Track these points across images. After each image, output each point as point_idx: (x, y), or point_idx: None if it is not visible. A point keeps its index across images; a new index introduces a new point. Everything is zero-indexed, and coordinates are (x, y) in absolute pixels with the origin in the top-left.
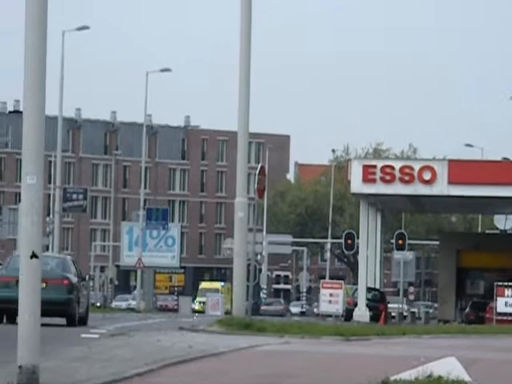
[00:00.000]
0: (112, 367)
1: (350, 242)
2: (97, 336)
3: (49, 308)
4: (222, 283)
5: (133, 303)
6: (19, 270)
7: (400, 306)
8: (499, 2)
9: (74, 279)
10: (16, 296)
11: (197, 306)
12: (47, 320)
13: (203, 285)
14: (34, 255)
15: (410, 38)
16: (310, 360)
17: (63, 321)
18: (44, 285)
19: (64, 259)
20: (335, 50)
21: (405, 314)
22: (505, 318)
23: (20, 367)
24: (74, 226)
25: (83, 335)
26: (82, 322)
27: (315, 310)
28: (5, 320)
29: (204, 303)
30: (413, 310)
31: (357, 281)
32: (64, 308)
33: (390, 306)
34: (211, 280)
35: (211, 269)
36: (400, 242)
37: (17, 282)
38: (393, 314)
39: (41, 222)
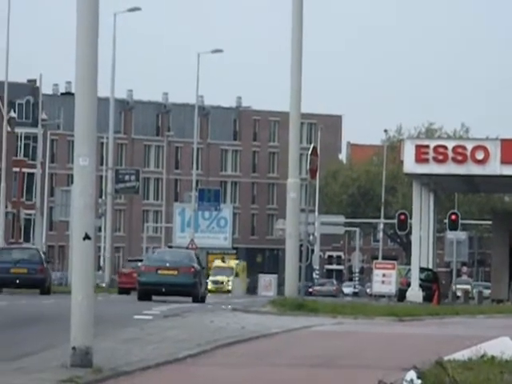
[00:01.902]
0: (165, 348)
1: (402, 222)
2: (150, 317)
3: (180, 289)
4: (237, 261)
5: None
6: (158, 261)
7: (470, 286)
8: None
9: (198, 267)
10: (155, 280)
11: (209, 286)
12: (179, 299)
13: (216, 263)
14: (86, 237)
15: (471, 14)
16: (363, 340)
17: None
18: (176, 272)
19: (189, 252)
20: (388, 28)
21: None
22: None
23: (73, 348)
24: (126, 207)
25: (136, 317)
26: (202, 300)
27: (368, 290)
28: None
29: (217, 282)
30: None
31: (409, 261)
32: (191, 289)
33: (459, 286)
34: (262, 261)
35: (263, 250)
36: (453, 221)
37: (156, 270)
38: (458, 294)
39: (94, 204)
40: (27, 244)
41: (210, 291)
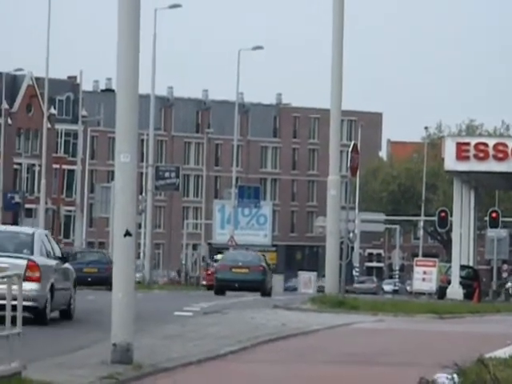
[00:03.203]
0: (206, 345)
1: (443, 219)
2: (190, 314)
3: (251, 285)
4: None
5: None
6: (232, 260)
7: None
8: None
9: (265, 266)
10: (229, 277)
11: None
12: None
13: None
14: (127, 233)
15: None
16: (403, 338)
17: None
18: (247, 270)
19: (257, 254)
20: (427, 27)
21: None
22: None
23: (114, 345)
24: (166, 204)
25: (177, 313)
26: (269, 294)
27: (408, 287)
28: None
29: None
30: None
31: (450, 258)
32: (260, 285)
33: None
34: (302, 258)
35: (303, 247)
36: (494, 219)
37: (230, 268)
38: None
39: (135, 201)
40: (66, 240)
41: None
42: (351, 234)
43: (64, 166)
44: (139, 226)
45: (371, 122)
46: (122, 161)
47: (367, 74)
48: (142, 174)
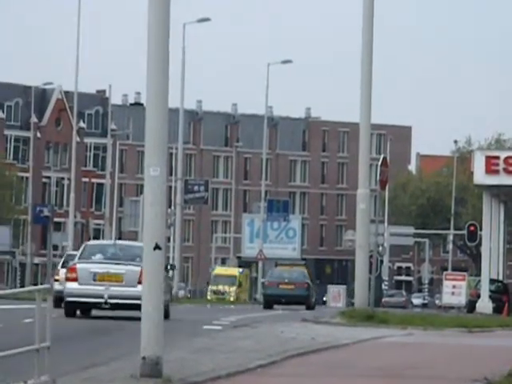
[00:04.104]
0: (235, 359)
1: (472, 233)
2: (219, 327)
3: (297, 300)
4: (241, 269)
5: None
6: (279, 277)
7: None
8: None
9: (310, 283)
10: (277, 293)
11: (209, 296)
12: (294, 307)
13: (217, 270)
14: (157, 247)
15: None
16: (433, 352)
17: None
18: (293, 286)
19: (303, 270)
20: (457, 40)
21: None
22: None
23: (143, 358)
24: (195, 217)
25: (206, 327)
26: (313, 308)
27: (437, 301)
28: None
29: (218, 292)
30: None
31: (479, 272)
32: (305, 300)
33: None
34: (331, 272)
35: (332, 260)
36: None
37: (277, 284)
38: None
39: (164, 214)
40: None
41: (209, 301)
42: (380, 248)
43: (93, 180)
44: (168, 240)
45: (401, 135)
46: (151, 174)
47: (397, 88)
48: (170, 187)
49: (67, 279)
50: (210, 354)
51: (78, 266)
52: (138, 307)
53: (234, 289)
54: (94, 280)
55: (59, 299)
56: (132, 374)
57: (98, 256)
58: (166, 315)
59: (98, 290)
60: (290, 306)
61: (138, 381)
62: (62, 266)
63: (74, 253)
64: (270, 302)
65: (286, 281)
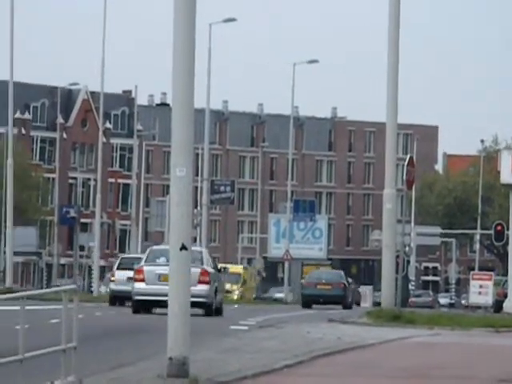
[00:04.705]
0: (261, 359)
1: (499, 232)
2: (246, 328)
3: (334, 300)
4: (245, 266)
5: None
6: (317, 278)
7: None
8: None
9: (346, 283)
10: (315, 293)
11: None
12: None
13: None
14: (183, 247)
15: None
16: (460, 352)
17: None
18: (330, 287)
19: (339, 272)
20: (483, 41)
21: None
22: None
23: (170, 359)
24: (221, 218)
25: (232, 327)
26: (350, 307)
27: (463, 301)
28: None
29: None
30: None
31: (506, 272)
32: (342, 300)
33: None
34: (357, 272)
35: (358, 261)
36: None
37: (315, 285)
38: None
39: (190, 214)
40: (122, 254)
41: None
42: (407, 248)
43: (119, 180)
44: (194, 240)
45: (427, 135)
46: (177, 175)
47: (423, 87)
48: (197, 188)
49: (135, 280)
50: (236, 354)
51: (145, 268)
52: (198, 305)
53: (237, 287)
54: (159, 280)
55: (115, 298)
56: (159, 374)
57: (162, 259)
58: (220, 312)
59: (162, 289)
60: (327, 306)
61: (165, 381)
62: (118, 268)
63: (128, 256)
64: (308, 302)
65: (324, 281)
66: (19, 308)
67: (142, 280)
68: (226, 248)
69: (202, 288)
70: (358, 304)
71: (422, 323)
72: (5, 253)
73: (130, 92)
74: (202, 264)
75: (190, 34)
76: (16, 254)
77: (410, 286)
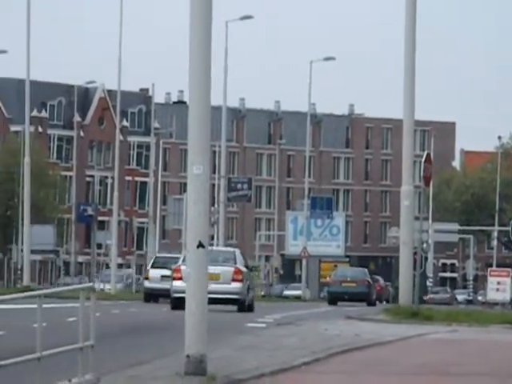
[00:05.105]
0: (279, 356)
1: None
2: (264, 325)
3: (358, 297)
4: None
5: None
6: (342, 276)
7: None
8: None
9: (370, 281)
10: (340, 290)
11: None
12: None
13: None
14: (200, 245)
15: None
16: (478, 348)
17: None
18: (355, 284)
19: (364, 270)
20: (499, 34)
21: None
22: None
23: (188, 356)
24: (238, 215)
25: (250, 324)
26: (374, 304)
27: (479, 297)
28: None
29: None
30: None
31: None
32: (366, 297)
33: None
34: (375, 269)
35: (376, 257)
36: None
37: (340, 282)
38: None
39: (208, 212)
40: (139, 252)
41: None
42: (425, 245)
43: (136, 178)
44: (212, 238)
45: (444, 131)
46: (194, 172)
47: (440, 84)
48: (214, 185)
49: (174, 278)
50: (254, 352)
51: (183, 267)
52: (232, 301)
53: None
54: None
55: (149, 295)
56: (176, 371)
57: None
58: (251, 309)
59: None
60: (351, 303)
61: (183, 379)
62: (152, 267)
63: (162, 255)
64: (334, 299)
65: (349, 279)
66: (37, 306)
67: (180, 278)
68: (244, 246)
69: (236, 286)
70: (388, 301)
71: (440, 320)
72: (22, 251)
73: (146, 90)
74: (235, 263)
75: (207, 32)
76: (33, 252)
77: (428, 283)
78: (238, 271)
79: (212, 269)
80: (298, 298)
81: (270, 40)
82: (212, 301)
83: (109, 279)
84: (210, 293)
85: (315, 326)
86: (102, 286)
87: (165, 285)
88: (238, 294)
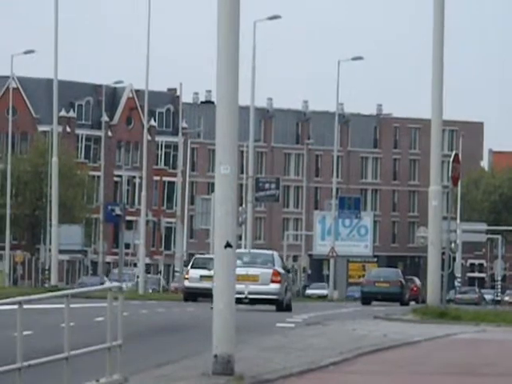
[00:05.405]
0: (307, 356)
1: None
2: (292, 325)
3: (391, 297)
4: None
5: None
6: (375, 276)
7: None
8: None
9: (403, 281)
10: (373, 290)
11: None
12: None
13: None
14: (228, 245)
15: None
16: (507, 348)
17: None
18: (388, 284)
19: (397, 270)
20: None
21: None
22: None
23: (215, 356)
24: (266, 215)
25: (278, 324)
26: (407, 304)
27: (506, 298)
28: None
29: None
30: None
31: None
32: (399, 297)
33: None
34: (403, 269)
35: (404, 257)
36: None
37: (374, 283)
38: None
39: (235, 212)
40: (167, 252)
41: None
42: (453, 245)
43: (164, 178)
44: (239, 238)
45: (473, 131)
46: (222, 172)
47: (469, 84)
48: (241, 185)
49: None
50: (282, 352)
51: None
52: (271, 301)
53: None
54: (236, 280)
55: (188, 294)
56: (204, 371)
57: (238, 262)
58: (289, 308)
59: (239, 288)
60: (384, 303)
61: (210, 378)
62: (191, 267)
63: (201, 256)
64: (367, 299)
65: (382, 279)
66: (64, 306)
67: None
68: (271, 245)
69: (275, 287)
70: (424, 301)
71: (468, 320)
72: (50, 251)
73: (174, 90)
74: (274, 265)
75: (234, 32)
76: (61, 252)
77: (456, 283)
78: (276, 273)
79: (251, 270)
80: (320, 297)
81: (298, 40)
82: (251, 301)
83: (117, 278)
84: (249, 293)
85: (343, 325)
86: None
87: (204, 284)
88: (276, 294)
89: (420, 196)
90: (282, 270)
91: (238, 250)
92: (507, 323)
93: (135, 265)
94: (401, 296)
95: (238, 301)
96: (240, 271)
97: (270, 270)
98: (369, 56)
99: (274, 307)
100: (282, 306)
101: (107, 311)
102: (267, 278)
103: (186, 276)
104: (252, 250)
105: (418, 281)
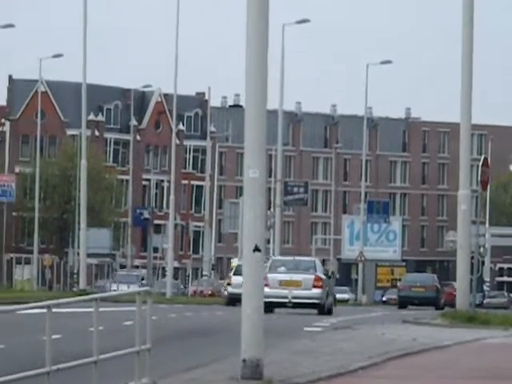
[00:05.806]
0: (335, 361)
1: None
2: (320, 329)
3: (427, 301)
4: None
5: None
6: (411, 281)
7: None
8: None
9: (439, 286)
10: (410, 295)
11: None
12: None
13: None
14: (256, 249)
15: None
16: None
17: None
18: (424, 289)
19: (433, 275)
20: None
21: None
22: None
23: (244, 361)
24: (294, 219)
25: (306, 328)
26: (443, 308)
27: None
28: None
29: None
30: None
31: None
32: (435, 301)
33: None
34: (432, 273)
35: (433, 262)
36: None
37: (410, 287)
38: None
39: (264, 216)
40: (196, 255)
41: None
42: (482, 249)
43: (192, 182)
44: (268, 242)
45: (502, 135)
46: (250, 176)
47: (498, 88)
48: (270, 189)
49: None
50: (310, 356)
51: (269, 275)
52: (313, 306)
53: None
54: (280, 285)
55: (231, 299)
56: (232, 376)
57: (282, 268)
58: (330, 312)
59: (283, 292)
60: (421, 307)
61: (239, 382)
62: (234, 274)
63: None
64: (404, 303)
65: (418, 284)
66: (93, 310)
67: (267, 285)
68: (300, 249)
69: (317, 291)
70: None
71: (497, 324)
72: (78, 254)
73: (203, 94)
74: (316, 271)
75: (263, 36)
76: (90, 255)
77: (485, 287)
78: (317, 278)
79: (295, 276)
80: (343, 301)
81: (327, 43)
82: (294, 305)
83: (122, 280)
84: (293, 298)
85: (372, 330)
86: (115, 287)
87: None
88: (318, 298)
89: (449, 200)
90: (323, 276)
91: (282, 257)
92: None
93: (163, 268)
94: (436, 300)
95: (282, 305)
96: (284, 277)
97: (312, 276)
98: (397, 59)
99: (315, 311)
100: (323, 309)
101: (136, 315)
102: (309, 284)
103: (229, 282)
104: (296, 257)
105: (455, 285)
